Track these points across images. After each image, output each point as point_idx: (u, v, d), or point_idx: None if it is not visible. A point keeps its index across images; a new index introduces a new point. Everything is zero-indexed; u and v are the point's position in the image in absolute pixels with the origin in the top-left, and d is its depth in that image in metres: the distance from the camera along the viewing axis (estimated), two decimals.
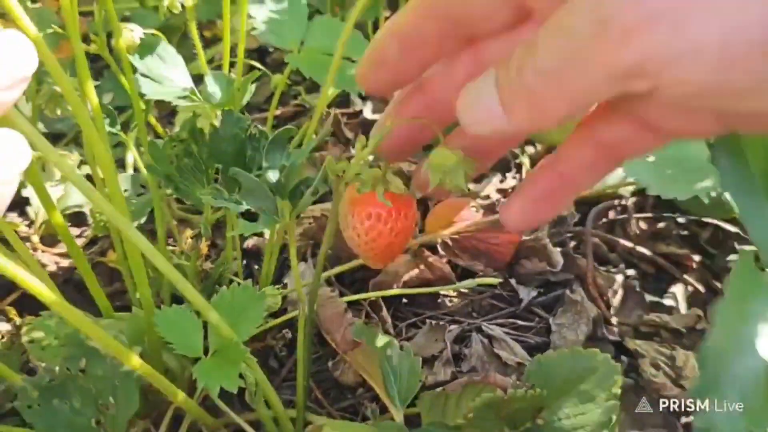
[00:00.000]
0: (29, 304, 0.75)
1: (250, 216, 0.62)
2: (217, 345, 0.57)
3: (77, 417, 0.56)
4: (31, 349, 0.65)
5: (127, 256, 0.62)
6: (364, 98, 1.01)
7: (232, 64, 0.98)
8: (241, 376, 0.56)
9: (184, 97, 0.66)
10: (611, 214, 0.91)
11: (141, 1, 0.93)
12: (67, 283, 0.81)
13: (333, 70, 0.60)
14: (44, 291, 0.47)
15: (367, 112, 0.97)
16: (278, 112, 1.01)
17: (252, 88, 0.67)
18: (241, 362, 0.55)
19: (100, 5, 0.68)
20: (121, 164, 0.87)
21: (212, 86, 0.70)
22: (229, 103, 0.65)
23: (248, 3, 0.83)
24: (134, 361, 0.51)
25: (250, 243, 0.85)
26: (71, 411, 0.55)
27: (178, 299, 0.73)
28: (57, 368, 0.56)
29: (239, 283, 0.72)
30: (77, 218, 0.87)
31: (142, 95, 0.66)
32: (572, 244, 0.87)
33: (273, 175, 0.59)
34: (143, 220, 0.74)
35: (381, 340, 0.67)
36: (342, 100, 1.02)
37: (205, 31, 1.11)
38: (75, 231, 0.86)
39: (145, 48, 0.67)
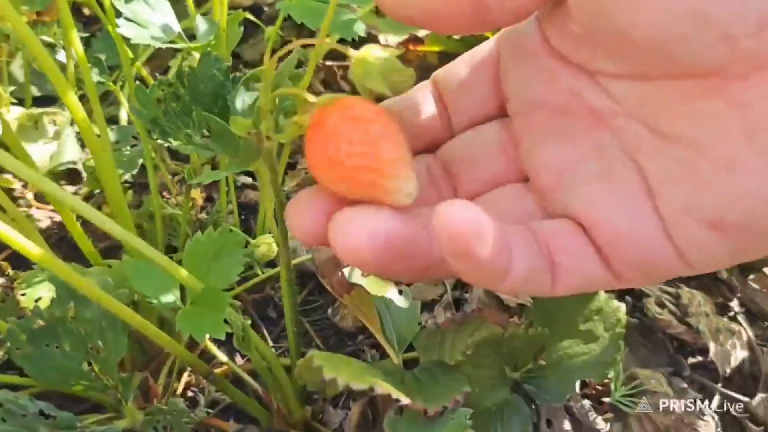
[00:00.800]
0: (24, 259, 0.74)
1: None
2: (194, 294, 0.56)
3: (67, 360, 0.55)
4: (25, 302, 0.64)
5: (110, 205, 0.62)
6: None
7: None
8: (225, 321, 0.55)
9: (171, 42, 0.65)
10: None
11: None
12: (62, 240, 0.80)
13: (330, 11, 0.57)
14: (29, 247, 0.47)
15: None
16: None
17: (239, 32, 0.65)
18: (224, 309, 0.54)
19: None
20: (114, 122, 0.86)
21: (201, 29, 0.69)
22: (216, 46, 0.64)
23: None
24: (122, 310, 0.50)
25: (251, 196, 0.84)
26: (61, 354, 0.55)
27: (173, 248, 0.72)
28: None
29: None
30: (72, 175, 0.86)
31: (127, 40, 0.64)
32: None
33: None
34: (135, 171, 0.73)
35: (379, 282, 0.66)
36: (337, 53, 1.00)
37: None
38: (71, 188, 0.85)
39: None
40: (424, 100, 0.51)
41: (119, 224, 0.62)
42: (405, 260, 0.41)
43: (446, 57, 1.00)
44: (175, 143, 0.59)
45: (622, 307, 0.61)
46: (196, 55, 0.68)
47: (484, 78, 0.49)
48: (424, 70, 1.00)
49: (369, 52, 0.46)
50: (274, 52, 0.86)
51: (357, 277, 0.64)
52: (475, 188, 0.49)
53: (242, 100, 0.60)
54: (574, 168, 0.45)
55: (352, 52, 0.45)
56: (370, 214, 0.41)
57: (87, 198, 0.82)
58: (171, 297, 0.57)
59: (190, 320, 0.55)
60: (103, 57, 0.98)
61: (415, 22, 0.44)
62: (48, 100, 0.95)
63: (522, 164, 0.48)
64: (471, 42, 0.98)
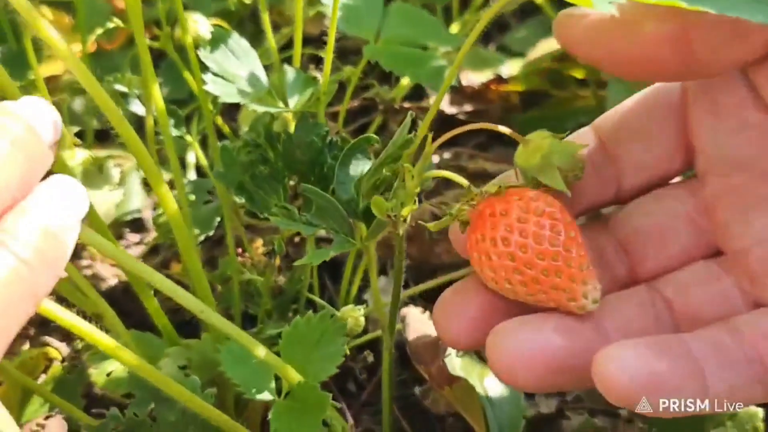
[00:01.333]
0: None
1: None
2: (290, 386, 0.51)
3: None
4: (94, 376, 0.59)
5: (187, 268, 0.56)
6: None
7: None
8: (325, 423, 0.49)
9: (260, 99, 0.59)
10: None
11: None
12: (127, 293, 0.75)
13: (459, 60, 0.49)
14: (102, 338, 0.42)
15: (444, 106, 0.89)
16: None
17: (334, 88, 0.60)
18: (325, 409, 0.49)
19: None
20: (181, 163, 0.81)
21: (291, 86, 0.63)
22: (312, 107, 0.58)
23: None
24: (213, 414, 0.44)
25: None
26: None
27: (250, 318, 0.67)
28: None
29: (314, 305, 0.66)
30: (136, 224, 0.81)
31: (211, 96, 0.59)
32: None
33: (345, 192, 0.52)
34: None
35: (477, 370, 0.60)
36: (414, 93, 0.94)
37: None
38: (134, 237, 0.80)
39: (216, 42, 0.60)
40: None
41: (197, 295, 0.57)
42: (566, 375, 0.38)
43: (529, 97, 0.94)
44: (271, 218, 0.54)
45: (760, 413, 0.55)
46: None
47: (667, 129, 0.43)
48: (507, 111, 0.94)
49: (543, 140, 0.41)
50: (354, 94, 0.80)
51: (459, 368, 0.58)
52: (658, 268, 0.43)
53: (347, 171, 0.55)
54: None
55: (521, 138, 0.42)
56: (536, 329, 0.38)
57: (153, 249, 0.77)
58: (267, 391, 0.52)
59: (286, 419, 0.50)
60: (166, 90, 0.94)
61: (606, 66, 0.40)
62: (108, 135, 0.90)
63: (717, 238, 0.42)
64: (559, 81, 0.92)
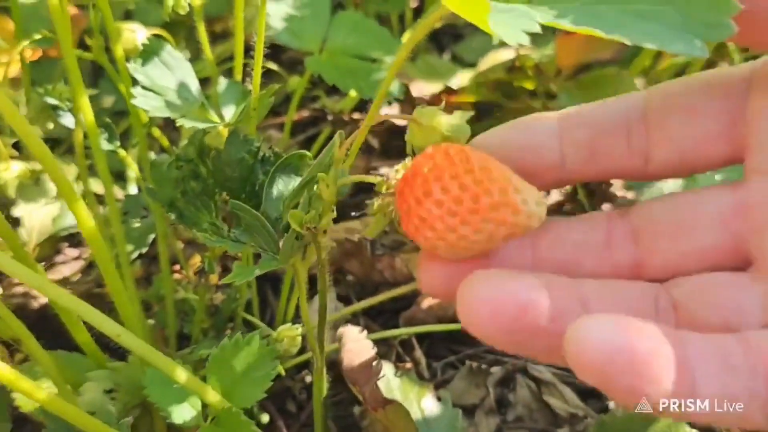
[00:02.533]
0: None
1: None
2: (215, 411, 0.49)
3: None
4: (18, 400, 0.57)
5: (109, 288, 0.54)
6: (390, 101, 0.92)
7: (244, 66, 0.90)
8: None
9: (192, 114, 0.58)
10: None
11: None
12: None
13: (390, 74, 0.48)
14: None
15: (394, 117, 0.88)
16: (295, 117, 0.92)
17: (270, 102, 0.58)
18: None
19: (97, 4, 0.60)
20: (121, 177, 0.79)
21: (225, 99, 0.61)
22: (244, 121, 0.56)
23: None
24: None
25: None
26: None
27: (187, 337, 0.65)
28: None
29: (249, 323, 0.64)
30: (75, 238, 0.79)
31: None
32: None
33: (274, 210, 0.51)
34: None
35: (414, 390, 0.59)
36: (364, 103, 0.93)
37: (216, 25, 1.02)
38: (73, 252, 0.78)
39: (147, 54, 0.59)
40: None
41: (128, 321, 0.55)
42: (537, 338, 0.35)
43: (483, 108, 0.93)
44: (198, 234, 0.52)
45: None
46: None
47: (715, 111, 0.39)
48: None
49: (434, 119, 0.40)
50: (299, 104, 0.77)
51: (392, 391, 0.57)
52: (668, 265, 0.40)
53: (277, 188, 0.53)
54: None
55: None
56: (509, 279, 0.36)
57: (89, 267, 0.75)
58: (190, 415, 0.50)
59: None
60: (111, 99, 0.92)
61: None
62: (54, 142, 0.88)
63: (751, 244, 0.38)
64: (510, 92, 0.91)
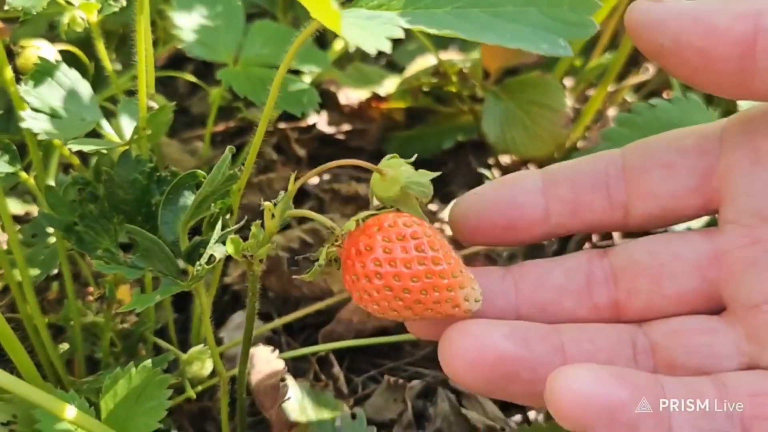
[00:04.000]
0: None
1: None
2: None
3: None
4: None
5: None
6: (317, 110, 0.90)
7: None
8: None
9: (91, 135, 0.56)
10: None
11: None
12: None
13: (275, 86, 0.47)
14: None
15: (322, 125, 0.87)
16: (221, 127, 0.90)
17: (168, 120, 0.56)
18: None
19: None
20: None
21: (125, 119, 0.60)
22: (137, 141, 0.55)
23: (175, 9, 0.73)
24: None
25: None
26: None
27: (96, 364, 0.64)
28: None
29: (159, 348, 0.63)
30: None
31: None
32: None
33: (170, 232, 0.50)
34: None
35: (329, 408, 0.58)
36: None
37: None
38: None
39: (40, 74, 0.57)
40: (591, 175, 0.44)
41: (15, 355, 0.53)
42: (516, 385, 0.38)
43: (415, 113, 0.92)
44: (93, 262, 0.51)
45: None
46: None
47: (691, 166, 0.42)
48: (389, 129, 0.92)
49: (398, 171, 0.42)
50: (220, 112, 0.76)
51: (305, 410, 0.56)
52: (647, 308, 0.42)
53: (174, 209, 0.52)
54: None
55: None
56: (487, 331, 0.39)
57: (4, 291, 0.73)
58: None
59: None
60: None
61: (668, 59, 0.38)
62: None
63: (725, 290, 0.40)
64: (442, 97, 0.91)
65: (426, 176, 0.43)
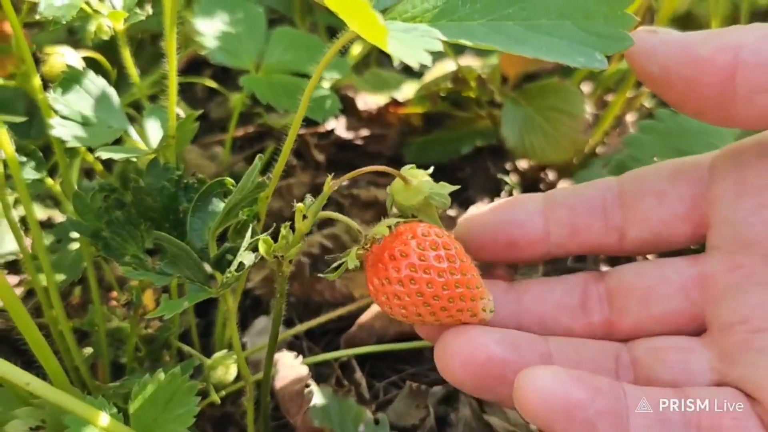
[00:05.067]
0: None
1: None
2: None
3: None
4: None
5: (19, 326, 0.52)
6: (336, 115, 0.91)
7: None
8: None
9: (116, 142, 0.56)
10: None
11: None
12: (3, 342, 0.72)
13: (306, 96, 0.47)
14: None
15: (340, 131, 0.87)
16: (240, 132, 0.91)
17: (194, 128, 0.57)
18: None
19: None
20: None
21: (152, 126, 0.60)
22: (165, 149, 0.55)
23: (197, 15, 0.73)
24: None
25: None
26: None
27: (120, 368, 0.64)
28: None
29: (182, 353, 0.63)
30: (15, 265, 0.78)
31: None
32: None
33: (199, 239, 0.50)
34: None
35: (352, 414, 0.58)
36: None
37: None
38: (13, 279, 0.77)
39: (68, 82, 0.57)
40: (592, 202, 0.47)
41: (45, 361, 0.53)
42: (505, 387, 0.40)
43: (433, 117, 0.93)
44: (121, 269, 0.51)
45: None
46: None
47: (684, 195, 0.44)
48: (407, 134, 0.92)
49: (422, 182, 0.45)
50: (239, 117, 0.76)
51: (328, 416, 0.56)
52: (637, 326, 0.45)
53: (201, 216, 0.52)
54: None
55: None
56: (479, 336, 0.42)
57: (29, 294, 0.73)
58: None
59: None
60: None
61: (659, 85, 0.41)
62: None
63: (707, 312, 0.43)
64: (460, 102, 0.91)
65: (446, 188, 0.45)
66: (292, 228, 0.45)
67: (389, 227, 0.43)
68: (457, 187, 0.46)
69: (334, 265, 0.44)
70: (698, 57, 0.38)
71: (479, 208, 0.51)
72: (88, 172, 0.84)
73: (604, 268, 0.67)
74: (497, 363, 0.41)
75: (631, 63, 0.41)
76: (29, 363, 0.56)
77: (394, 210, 0.47)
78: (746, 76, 0.37)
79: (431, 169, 0.46)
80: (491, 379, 0.41)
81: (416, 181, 0.45)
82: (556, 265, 0.74)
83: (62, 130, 0.55)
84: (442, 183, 0.45)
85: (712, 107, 0.39)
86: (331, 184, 0.44)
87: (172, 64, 0.54)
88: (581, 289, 0.47)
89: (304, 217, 0.44)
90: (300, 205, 0.43)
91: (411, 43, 0.33)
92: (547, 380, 0.37)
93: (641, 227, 0.45)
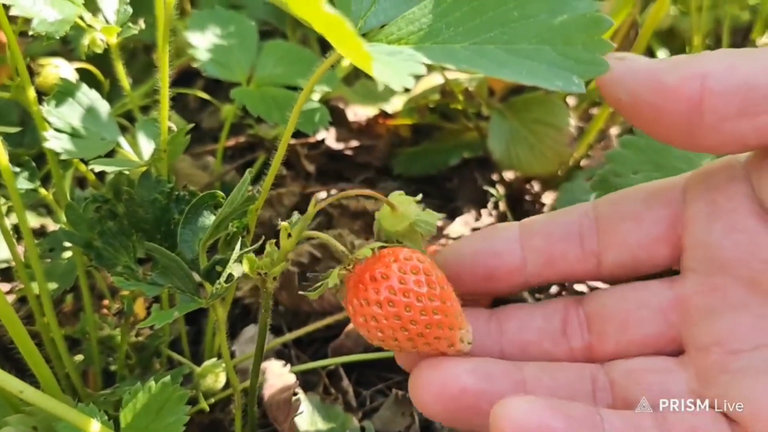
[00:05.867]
0: None
1: None
2: None
3: None
4: None
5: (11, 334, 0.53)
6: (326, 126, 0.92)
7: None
8: None
9: (109, 153, 0.58)
10: None
11: None
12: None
13: (296, 110, 0.47)
14: None
15: (330, 141, 0.89)
16: (232, 142, 0.92)
17: (185, 141, 0.58)
18: None
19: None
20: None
21: (143, 139, 0.61)
22: (157, 161, 0.56)
23: (189, 28, 0.74)
24: None
25: None
26: None
27: (111, 376, 0.65)
28: None
29: (172, 361, 0.64)
30: (7, 273, 0.79)
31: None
32: None
33: (189, 251, 0.51)
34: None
35: (339, 421, 0.60)
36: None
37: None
38: (5, 287, 0.78)
39: (61, 94, 0.58)
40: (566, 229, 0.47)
41: (36, 368, 0.54)
42: (480, 417, 0.40)
43: (420, 131, 0.94)
44: (113, 279, 0.52)
45: None
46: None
47: (659, 218, 0.45)
48: (395, 145, 0.94)
49: (408, 208, 0.45)
50: (230, 127, 0.77)
51: (315, 424, 0.57)
52: (616, 350, 0.45)
53: (192, 228, 0.54)
54: (752, 351, 0.40)
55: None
56: (451, 367, 0.42)
57: (21, 301, 0.74)
58: None
59: None
60: None
61: (628, 111, 0.41)
62: None
63: (684, 334, 0.43)
64: (448, 114, 0.92)
65: (433, 216, 0.46)
66: (278, 244, 0.45)
67: (372, 249, 0.43)
68: (443, 215, 0.47)
69: (316, 285, 0.45)
70: (665, 85, 0.38)
71: (455, 241, 0.50)
72: (80, 181, 0.85)
73: (583, 288, 0.68)
74: (470, 394, 0.41)
75: (601, 89, 0.41)
76: (21, 370, 0.57)
77: (381, 236, 0.47)
78: (713, 104, 0.37)
79: (420, 196, 0.46)
80: (465, 410, 0.41)
81: (402, 207, 0.46)
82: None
83: (56, 142, 0.56)
84: (428, 210, 0.46)
85: (680, 134, 0.39)
86: (316, 203, 0.44)
87: (164, 80, 0.55)
88: (561, 315, 0.47)
89: (289, 235, 0.45)
90: (284, 223, 0.44)
91: (396, 66, 0.35)
92: (522, 410, 0.37)
93: (619, 251, 0.45)
